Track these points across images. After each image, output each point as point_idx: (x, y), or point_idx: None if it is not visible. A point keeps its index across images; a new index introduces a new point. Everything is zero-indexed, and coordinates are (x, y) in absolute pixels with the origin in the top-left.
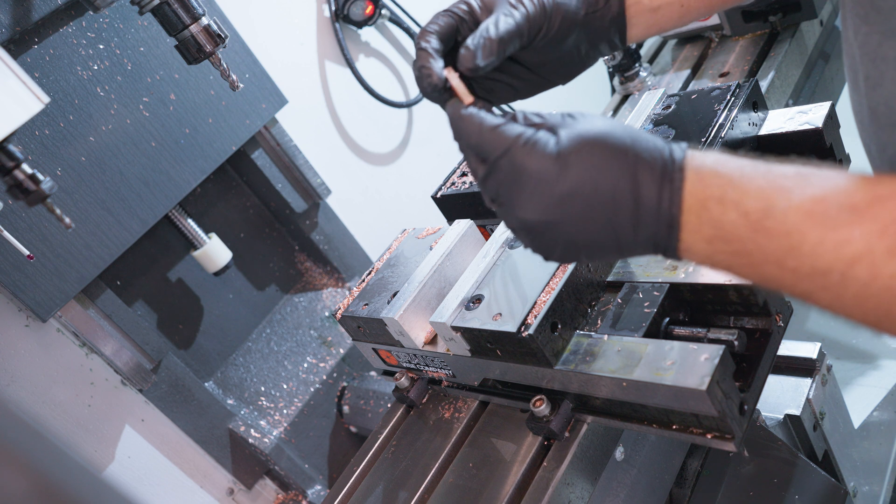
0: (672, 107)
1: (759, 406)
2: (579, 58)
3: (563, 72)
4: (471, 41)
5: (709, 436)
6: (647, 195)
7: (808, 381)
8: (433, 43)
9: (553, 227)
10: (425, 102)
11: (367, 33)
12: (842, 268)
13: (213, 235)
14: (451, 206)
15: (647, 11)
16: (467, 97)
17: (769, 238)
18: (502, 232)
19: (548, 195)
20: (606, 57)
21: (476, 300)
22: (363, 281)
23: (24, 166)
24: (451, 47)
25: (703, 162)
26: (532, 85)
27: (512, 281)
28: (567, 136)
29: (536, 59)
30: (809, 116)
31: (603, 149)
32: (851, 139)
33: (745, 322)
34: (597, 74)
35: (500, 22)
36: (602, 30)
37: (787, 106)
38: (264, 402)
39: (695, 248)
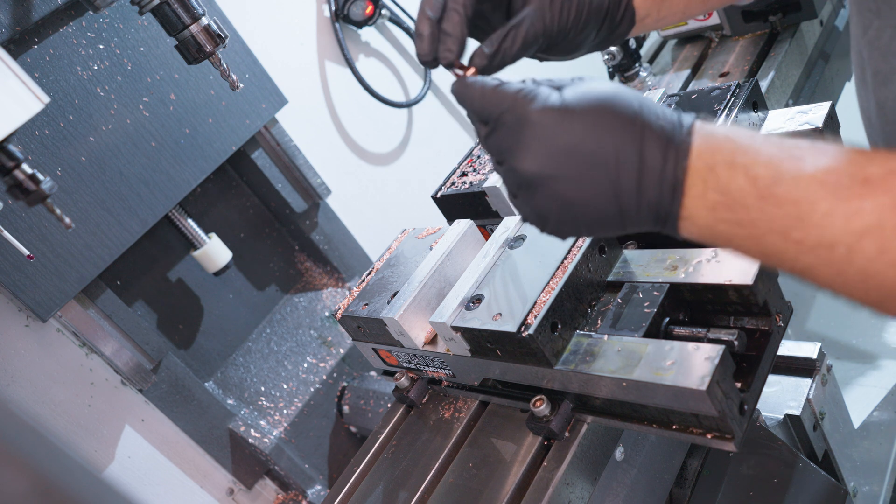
0: (672, 107)
1: (759, 406)
2: (585, 50)
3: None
4: (488, 47)
5: (709, 436)
6: (651, 156)
7: (808, 381)
8: (470, 8)
9: (552, 182)
10: (425, 102)
11: (367, 33)
12: (849, 240)
13: (213, 235)
14: (451, 206)
15: (652, 21)
16: (469, 69)
17: (776, 206)
18: (502, 232)
19: (548, 145)
20: (606, 57)
21: (476, 300)
22: (363, 281)
23: (24, 166)
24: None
25: (713, 130)
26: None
27: (512, 281)
28: (572, 91)
29: (546, 50)
30: (809, 116)
31: (609, 108)
32: (851, 139)
33: (745, 322)
34: (597, 74)
35: (520, 37)
36: (610, 41)
37: (787, 106)
38: (264, 402)
39: (697, 215)
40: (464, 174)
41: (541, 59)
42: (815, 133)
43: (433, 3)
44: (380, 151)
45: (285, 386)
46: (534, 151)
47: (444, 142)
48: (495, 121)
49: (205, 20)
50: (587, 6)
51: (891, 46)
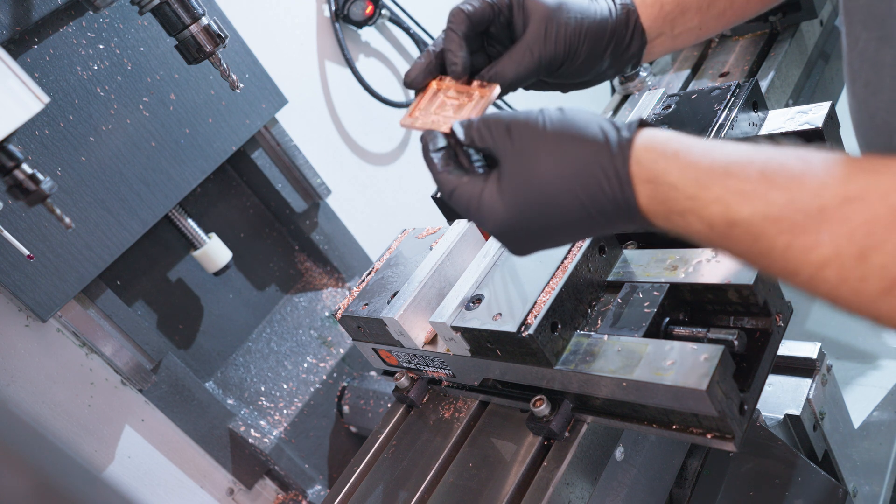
0: (672, 107)
1: (759, 406)
2: (598, 76)
3: (578, 86)
4: (477, 80)
5: (709, 436)
6: (603, 216)
7: (808, 381)
8: (464, 28)
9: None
10: None
11: (367, 33)
12: (811, 271)
13: (213, 235)
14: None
15: (668, 40)
16: (444, 126)
17: (737, 244)
18: None
19: (496, 224)
20: None
21: (476, 300)
22: (363, 281)
23: (24, 166)
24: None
25: (653, 172)
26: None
27: (512, 281)
28: (510, 179)
29: (556, 82)
30: (809, 116)
31: (543, 198)
32: (852, 139)
33: (745, 322)
34: None
35: (512, 70)
36: (623, 63)
37: (787, 106)
38: (264, 402)
39: (670, 232)
40: None
41: (563, 91)
42: (813, 134)
43: (437, 39)
44: (380, 151)
45: (285, 386)
46: (488, 225)
47: None
48: (448, 195)
49: (205, 20)
50: (585, 31)
51: (877, 58)
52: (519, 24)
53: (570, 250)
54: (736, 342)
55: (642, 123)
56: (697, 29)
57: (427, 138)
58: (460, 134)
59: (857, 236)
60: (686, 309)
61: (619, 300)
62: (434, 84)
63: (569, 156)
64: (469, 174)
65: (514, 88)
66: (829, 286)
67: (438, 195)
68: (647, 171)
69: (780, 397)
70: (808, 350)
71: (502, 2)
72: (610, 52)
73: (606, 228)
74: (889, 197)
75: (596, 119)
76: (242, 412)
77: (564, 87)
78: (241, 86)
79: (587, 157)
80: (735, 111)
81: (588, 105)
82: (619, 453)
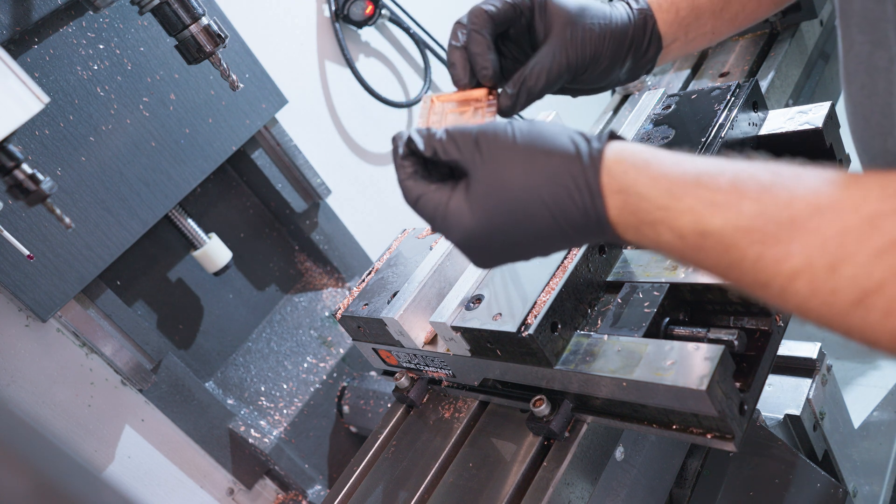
0: (672, 107)
1: (759, 406)
2: (614, 82)
3: (591, 92)
4: (511, 87)
5: (709, 436)
6: (573, 228)
7: (808, 381)
8: (488, 29)
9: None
10: None
11: (367, 33)
12: (782, 282)
13: (213, 235)
14: None
15: (682, 45)
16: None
17: (708, 255)
18: None
19: (462, 233)
20: None
21: (476, 300)
22: (363, 281)
23: (24, 166)
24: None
25: (623, 183)
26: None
27: (512, 281)
28: (482, 196)
29: (574, 83)
30: (809, 116)
31: (516, 214)
32: (851, 139)
33: (745, 322)
34: None
35: (542, 77)
36: (640, 69)
37: (787, 106)
38: (264, 402)
39: (640, 246)
40: None
41: (574, 95)
42: (813, 134)
43: (457, 34)
44: (380, 151)
45: (285, 386)
46: (453, 237)
47: None
48: (413, 202)
49: (205, 20)
50: (609, 36)
51: (870, 61)
52: (540, 28)
53: (570, 250)
54: (736, 342)
55: (612, 135)
56: (711, 33)
57: (397, 142)
58: (420, 144)
59: (829, 247)
60: (686, 309)
61: (619, 300)
62: (482, 91)
63: (539, 167)
64: (436, 183)
65: (541, 96)
66: (799, 298)
67: None
68: (618, 182)
69: (780, 397)
70: (808, 350)
71: (524, 3)
72: (630, 58)
73: (575, 241)
74: (860, 208)
75: (566, 131)
76: (242, 412)
77: (576, 93)
78: (241, 86)
79: (558, 168)
80: (735, 111)
81: (589, 105)
82: (619, 453)
